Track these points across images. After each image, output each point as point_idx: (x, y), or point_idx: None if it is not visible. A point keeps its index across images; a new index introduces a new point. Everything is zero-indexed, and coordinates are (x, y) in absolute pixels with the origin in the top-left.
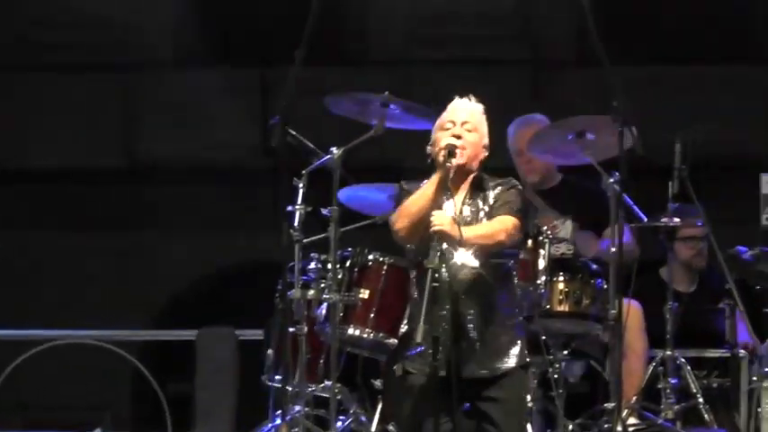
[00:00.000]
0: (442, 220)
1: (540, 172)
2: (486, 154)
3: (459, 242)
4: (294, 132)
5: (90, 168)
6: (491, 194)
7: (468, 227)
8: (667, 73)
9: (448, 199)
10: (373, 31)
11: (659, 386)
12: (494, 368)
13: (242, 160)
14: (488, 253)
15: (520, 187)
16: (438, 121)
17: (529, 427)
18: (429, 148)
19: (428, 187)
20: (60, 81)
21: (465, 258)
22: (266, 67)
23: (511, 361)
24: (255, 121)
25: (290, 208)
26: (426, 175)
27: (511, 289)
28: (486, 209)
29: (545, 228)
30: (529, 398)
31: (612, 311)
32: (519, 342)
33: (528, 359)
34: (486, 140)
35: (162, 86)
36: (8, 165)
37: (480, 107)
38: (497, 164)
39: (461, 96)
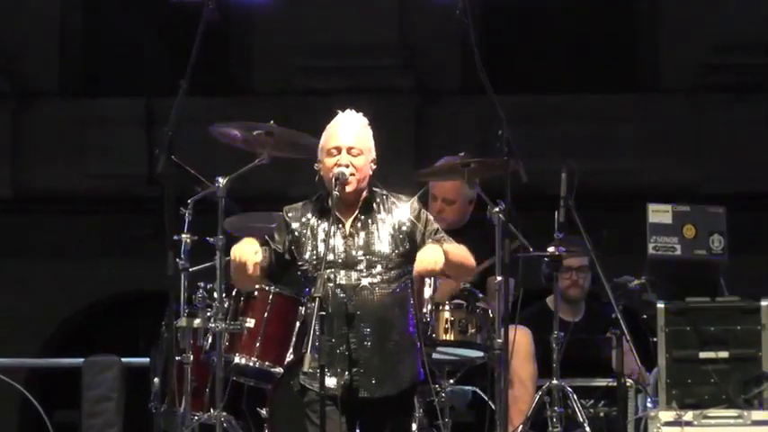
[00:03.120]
0: (436, 257)
1: (446, 222)
2: (375, 167)
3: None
4: (179, 161)
5: None
6: (397, 214)
7: (447, 245)
8: (554, 102)
9: (339, 227)
10: (260, 62)
11: (546, 415)
12: (393, 389)
13: (127, 189)
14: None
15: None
16: (323, 141)
17: None
18: (317, 165)
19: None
20: None
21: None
22: (151, 97)
23: (407, 380)
24: (141, 151)
25: (176, 237)
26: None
27: (406, 310)
28: (391, 230)
29: None
30: (414, 426)
31: (498, 340)
32: (414, 363)
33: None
34: (373, 154)
35: (47, 116)
36: None
37: (364, 122)
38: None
39: (342, 110)
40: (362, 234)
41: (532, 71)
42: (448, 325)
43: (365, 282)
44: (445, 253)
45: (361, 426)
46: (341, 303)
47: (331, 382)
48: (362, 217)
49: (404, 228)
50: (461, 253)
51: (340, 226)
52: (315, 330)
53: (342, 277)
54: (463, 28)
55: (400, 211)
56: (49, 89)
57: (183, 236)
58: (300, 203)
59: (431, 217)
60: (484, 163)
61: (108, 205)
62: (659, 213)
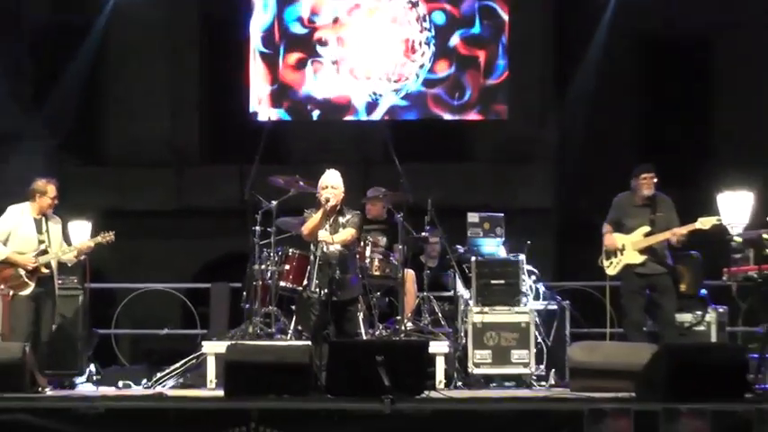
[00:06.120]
0: (326, 238)
1: (373, 215)
2: (342, 196)
3: (334, 242)
4: (255, 194)
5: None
6: (347, 217)
7: (336, 235)
8: (421, 166)
9: (329, 218)
10: (292, 147)
11: (422, 308)
12: (348, 295)
13: (231, 206)
14: (346, 244)
15: (360, 214)
16: (320, 182)
17: (361, 325)
18: (317, 194)
19: (317, 215)
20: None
21: (334, 247)
22: (242, 164)
23: (355, 293)
24: (237, 189)
25: (253, 228)
26: (317, 207)
27: (354, 259)
28: (344, 223)
29: (369, 237)
30: (361, 315)
31: (399, 274)
32: (358, 284)
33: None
34: (342, 189)
35: (191, 178)
36: None
37: (338, 174)
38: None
39: (329, 168)
40: (335, 224)
41: (414, 150)
42: (377, 267)
43: (335, 247)
44: (334, 239)
45: (335, 315)
46: (325, 256)
47: (319, 292)
48: (337, 218)
49: (348, 221)
50: (342, 237)
51: (329, 220)
52: (316, 270)
53: (326, 245)
54: (386, 144)
55: (349, 215)
56: (191, 160)
57: (257, 227)
58: (312, 209)
59: (356, 219)
60: (392, 194)
61: (224, 214)
62: (473, 217)
